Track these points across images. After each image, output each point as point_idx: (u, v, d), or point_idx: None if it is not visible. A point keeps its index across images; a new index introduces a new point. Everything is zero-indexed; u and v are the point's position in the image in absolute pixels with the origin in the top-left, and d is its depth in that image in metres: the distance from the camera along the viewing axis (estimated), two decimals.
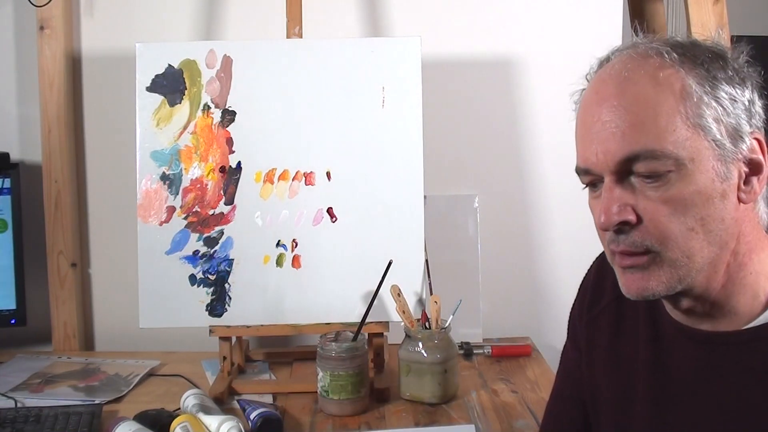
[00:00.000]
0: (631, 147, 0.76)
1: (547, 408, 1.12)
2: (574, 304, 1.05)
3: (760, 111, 0.79)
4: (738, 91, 0.77)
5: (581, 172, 0.82)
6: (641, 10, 1.92)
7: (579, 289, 1.05)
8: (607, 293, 0.97)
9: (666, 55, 0.77)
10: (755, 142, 0.78)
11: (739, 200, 0.78)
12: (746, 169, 0.78)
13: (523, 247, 1.82)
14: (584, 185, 0.84)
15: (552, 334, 1.81)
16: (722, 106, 0.76)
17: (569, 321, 1.06)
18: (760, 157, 0.78)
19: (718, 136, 0.75)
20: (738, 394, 0.78)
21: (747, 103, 0.77)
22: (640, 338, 0.90)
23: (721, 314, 0.81)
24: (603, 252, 1.00)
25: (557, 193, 1.80)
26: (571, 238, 1.79)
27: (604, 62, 0.83)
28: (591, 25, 1.76)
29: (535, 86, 1.78)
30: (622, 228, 0.78)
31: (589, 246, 1.01)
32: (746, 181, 0.78)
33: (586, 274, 1.04)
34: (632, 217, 0.77)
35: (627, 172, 0.77)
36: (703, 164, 0.75)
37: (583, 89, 0.85)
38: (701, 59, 0.77)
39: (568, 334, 1.07)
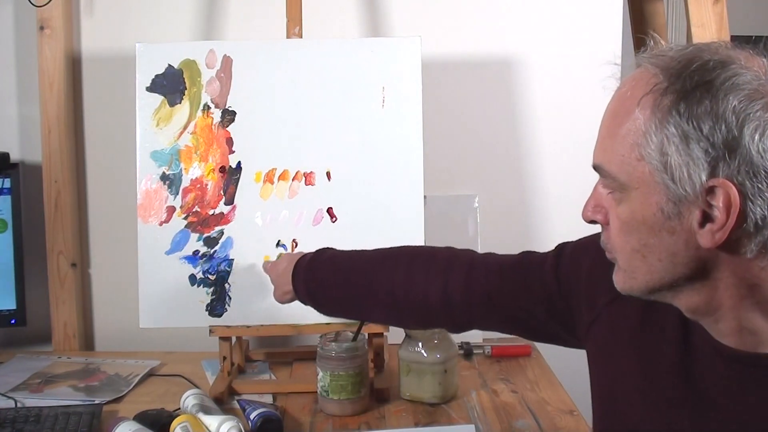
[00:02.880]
0: (595, 158, 0.79)
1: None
2: (591, 276, 0.97)
3: (750, 155, 0.69)
4: (711, 131, 0.69)
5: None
6: (641, 10, 1.92)
7: (596, 268, 0.96)
8: None
9: (655, 79, 0.73)
10: (720, 191, 0.70)
11: (701, 243, 0.72)
12: (700, 217, 0.72)
13: (523, 247, 1.80)
14: None
15: None
16: (686, 146, 0.70)
17: (575, 277, 0.99)
18: (718, 206, 0.70)
19: (665, 176, 0.72)
20: (763, 416, 0.76)
21: (721, 147, 0.69)
22: (667, 337, 0.87)
23: (748, 336, 0.78)
24: None
25: (557, 193, 1.80)
26: (571, 238, 1.79)
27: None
28: (591, 25, 1.76)
29: (535, 86, 1.78)
30: (603, 226, 0.82)
31: None
32: (701, 226, 0.72)
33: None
34: (599, 218, 0.81)
35: None
36: (646, 197, 0.74)
37: None
38: (686, 88, 0.71)
39: (556, 263, 1.01)
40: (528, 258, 1.08)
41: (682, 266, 0.76)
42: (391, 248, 1.16)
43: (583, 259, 0.99)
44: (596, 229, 0.86)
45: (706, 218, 0.72)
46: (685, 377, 0.85)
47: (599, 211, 0.81)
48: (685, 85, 0.71)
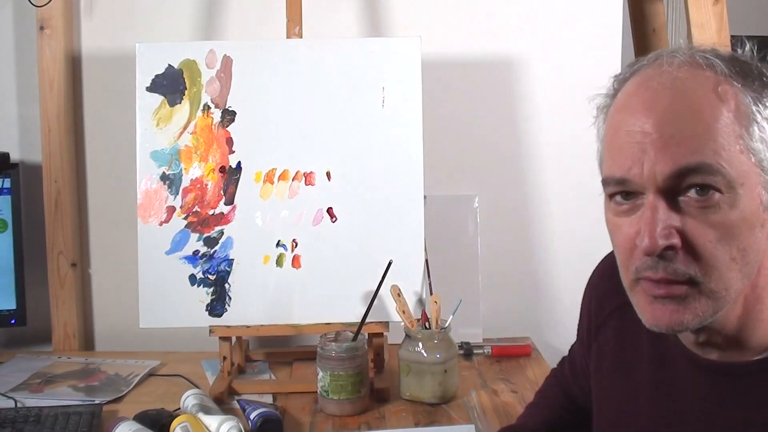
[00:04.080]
0: (687, 158, 0.70)
1: (549, 377, 1.19)
2: (581, 311, 1.04)
3: None
4: None
5: (614, 182, 0.75)
6: (641, 10, 1.92)
7: (584, 295, 1.04)
8: (610, 301, 0.95)
9: (718, 69, 0.73)
10: None
11: None
12: None
13: (523, 247, 1.82)
14: (608, 195, 0.77)
15: (552, 334, 1.81)
16: None
17: (579, 324, 1.06)
18: None
19: (765, 162, 0.71)
20: (742, 425, 0.76)
21: None
22: (643, 354, 0.89)
23: (731, 346, 0.78)
24: (605, 257, 1.00)
25: (557, 193, 1.80)
26: (571, 238, 1.79)
27: (641, 68, 0.77)
28: (591, 25, 1.76)
29: (535, 86, 1.78)
30: (665, 254, 0.71)
31: (589, 246, 1.01)
32: None
33: (590, 280, 1.03)
34: (678, 242, 0.71)
35: (674, 190, 0.71)
36: (751, 190, 0.71)
37: (611, 94, 0.79)
38: (751, 77, 0.73)
39: (577, 335, 1.07)
40: (572, 359, 1.12)
41: (755, 264, 0.74)
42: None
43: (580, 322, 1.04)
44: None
45: None
46: (664, 394, 0.85)
47: (673, 233, 0.71)
48: (753, 74, 0.73)
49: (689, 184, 0.71)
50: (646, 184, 0.72)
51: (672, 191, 0.72)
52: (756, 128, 0.71)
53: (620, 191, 0.75)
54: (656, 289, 0.73)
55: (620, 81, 0.79)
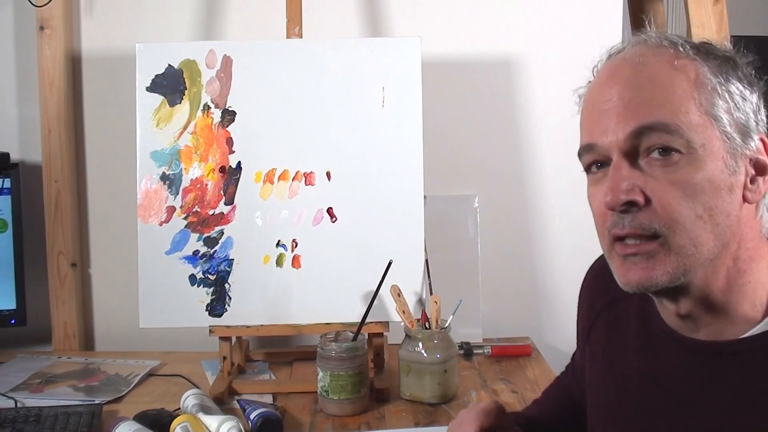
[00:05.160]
0: (644, 118, 0.75)
1: (553, 383, 1.20)
2: (578, 314, 1.05)
3: (764, 118, 0.79)
4: (747, 91, 0.78)
5: (585, 149, 0.81)
6: (641, 10, 1.92)
7: (579, 297, 1.05)
8: (600, 299, 0.97)
9: (680, 48, 0.78)
10: (761, 144, 0.78)
11: (744, 199, 0.77)
12: (752, 170, 0.78)
13: (523, 247, 1.83)
14: (585, 167, 0.83)
15: (552, 334, 1.81)
16: (733, 101, 0.76)
17: (577, 326, 1.06)
18: (766, 158, 0.78)
19: (728, 129, 0.76)
20: (731, 405, 0.77)
21: (755, 105, 0.78)
22: (630, 345, 0.89)
23: (718, 322, 0.79)
24: (597, 258, 1.00)
25: (557, 193, 1.80)
26: (571, 238, 1.80)
27: (615, 54, 0.83)
28: (591, 25, 1.76)
29: (535, 86, 1.78)
30: (629, 209, 0.75)
31: (590, 245, 1.01)
32: (752, 180, 0.78)
33: (582, 283, 1.04)
34: (640, 198, 0.75)
35: (635, 152, 0.76)
36: (714, 153, 0.75)
37: (590, 81, 0.85)
38: (714, 55, 0.78)
39: (576, 337, 1.07)
40: (573, 361, 1.13)
41: (728, 229, 0.76)
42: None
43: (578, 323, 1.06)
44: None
45: (753, 174, 0.78)
46: (651, 381, 0.85)
47: (635, 189, 0.75)
48: (718, 55, 0.78)
49: (649, 144, 0.76)
50: (611, 147, 0.77)
51: (634, 152, 0.77)
52: (719, 100, 0.76)
53: (593, 161, 0.81)
54: (627, 248, 0.77)
55: (598, 69, 0.85)
